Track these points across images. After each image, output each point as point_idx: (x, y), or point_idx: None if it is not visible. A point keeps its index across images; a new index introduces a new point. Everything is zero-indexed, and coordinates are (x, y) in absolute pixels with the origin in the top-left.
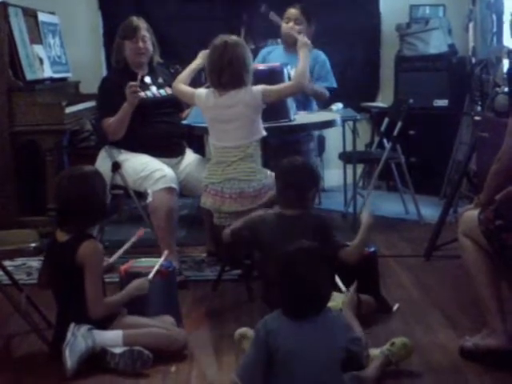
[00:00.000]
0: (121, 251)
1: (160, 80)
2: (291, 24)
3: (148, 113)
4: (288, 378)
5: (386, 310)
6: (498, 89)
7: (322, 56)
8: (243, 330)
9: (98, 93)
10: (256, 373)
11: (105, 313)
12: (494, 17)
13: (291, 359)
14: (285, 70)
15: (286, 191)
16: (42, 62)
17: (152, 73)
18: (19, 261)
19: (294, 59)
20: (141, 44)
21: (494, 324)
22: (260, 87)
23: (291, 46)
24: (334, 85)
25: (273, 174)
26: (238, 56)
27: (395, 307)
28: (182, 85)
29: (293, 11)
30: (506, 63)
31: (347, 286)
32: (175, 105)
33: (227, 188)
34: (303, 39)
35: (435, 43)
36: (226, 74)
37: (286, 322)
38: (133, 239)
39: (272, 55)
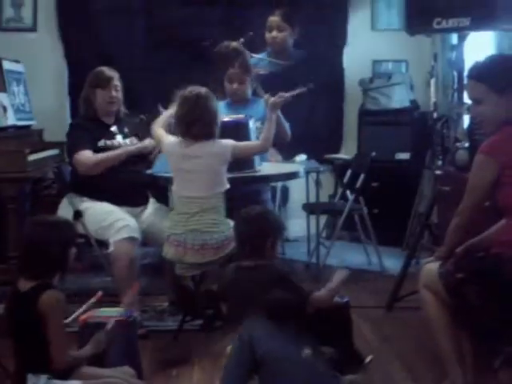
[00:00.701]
0: (78, 313)
1: (126, 130)
2: (274, 32)
3: None
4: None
5: (358, 361)
6: (458, 144)
7: None
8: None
9: (70, 130)
10: (239, 377)
11: (69, 364)
12: (455, 74)
13: (276, 363)
14: (250, 123)
15: (241, 242)
16: (5, 109)
17: (118, 122)
18: None
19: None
20: (114, 93)
21: (454, 375)
22: (230, 142)
23: (278, 53)
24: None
25: None
26: (209, 109)
27: (368, 359)
28: (159, 129)
29: (274, 19)
30: (466, 119)
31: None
32: (139, 155)
33: (190, 239)
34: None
35: (398, 98)
36: (198, 126)
37: (269, 325)
38: (91, 300)
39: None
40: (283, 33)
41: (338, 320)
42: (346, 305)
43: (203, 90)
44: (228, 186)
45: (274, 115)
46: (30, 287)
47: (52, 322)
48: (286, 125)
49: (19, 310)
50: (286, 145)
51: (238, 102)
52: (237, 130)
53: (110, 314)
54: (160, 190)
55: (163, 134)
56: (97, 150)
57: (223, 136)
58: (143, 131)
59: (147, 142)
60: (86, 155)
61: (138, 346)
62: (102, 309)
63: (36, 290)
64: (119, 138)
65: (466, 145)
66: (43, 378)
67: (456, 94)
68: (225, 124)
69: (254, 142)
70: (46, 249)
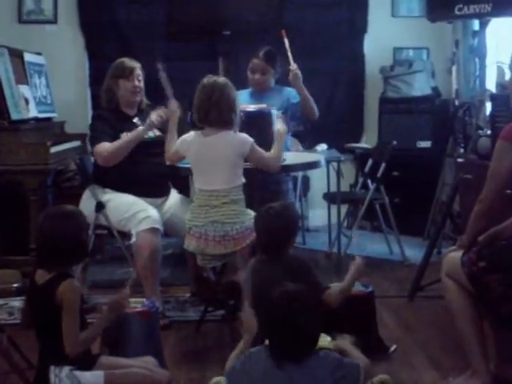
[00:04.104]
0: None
1: (148, 121)
2: (257, 76)
3: (134, 153)
4: None
5: (383, 350)
6: (480, 131)
7: (294, 93)
8: (218, 379)
9: (92, 121)
10: None
11: (81, 350)
12: (477, 60)
13: None
14: (273, 112)
15: (261, 239)
16: (27, 102)
17: (140, 113)
18: (1, 301)
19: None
20: (136, 83)
21: (476, 364)
22: (251, 140)
23: (261, 92)
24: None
25: None
26: (226, 96)
27: (392, 348)
28: (170, 152)
29: (257, 62)
30: (488, 106)
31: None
32: (161, 146)
33: (211, 231)
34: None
35: (419, 86)
36: (214, 113)
37: (269, 362)
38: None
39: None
40: (266, 76)
41: (362, 309)
42: (371, 294)
43: (221, 78)
44: (243, 180)
45: (281, 144)
46: (48, 279)
47: (65, 309)
48: (313, 103)
49: (38, 302)
50: (307, 134)
51: (260, 91)
52: (260, 120)
53: (133, 304)
54: (181, 180)
55: (176, 143)
56: None
57: (247, 125)
58: (164, 122)
59: (154, 117)
60: (104, 147)
61: (161, 337)
62: None
63: (53, 281)
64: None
65: (488, 132)
66: (65, 370)
67: (478, 81)
68: (248, 113)
69: (268, 154)
70: (60, 240)
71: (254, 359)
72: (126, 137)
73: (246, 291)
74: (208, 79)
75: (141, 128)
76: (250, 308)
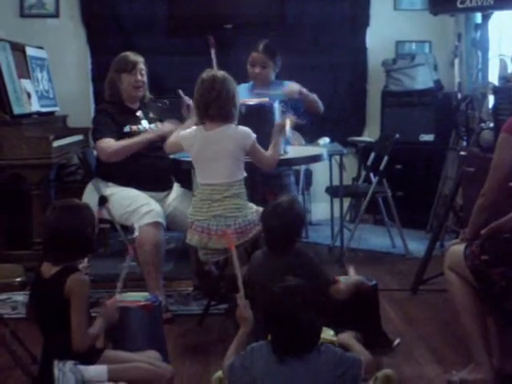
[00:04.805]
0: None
1: (151, 115)
2: (257, 69)
3: None
4: None
5: (386, 344)
6: (483, 124)
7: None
8: (221, 373)
9: (95, 115)
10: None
11: (89, 345)
12: (480, 53)
13: None
14: (275, 105)
15: (269, 235)
16: (29, 96)
17: (143, 107)
18: (4, 295)
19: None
20: (139, 77)
21: (479, 358)
22: (253, 136)
23: (261, 86)
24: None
25: (259, 208)
26: (226, 90)
27: (396, 342)
28: (169, 141)
29: (256, 56)
30: (491, 99)
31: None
32: (164, 140)
33: (213, 225)
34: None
35: (421, 79)
36: (214, 107)
37: (271, 357)
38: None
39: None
40: (266, 69)
41: (365, 303)
42: (374, 288)
43: (220, 72)
44: (245, 174)
45: (280, 138)
46: (55, 272)
47: (74, 304)
48: (317, 98)
49: (45, 296)
50: (309, 128)
51: (260, 85)
52: (262, 114)
53: (136, 298)
54: (183, 174)
55: (176, 134)
56: (122, 135)
57: (248, 119)
58: (166, 116)
59: (167, 128)
60: (108, 143)
61: (164, 331)
62: (127, 293)
63: (61, 275)
64: (144, 123)
65: (491, 125)
66: (69, 364)
67: (480, 74)
68: (249, 107)
69: (266, 153)
70: (66, 232)
71: (255, 354)
72: (133, 139)
73: (241, 284)
74: (207, 74)
75: (150, 135)
76: (244, 300)
